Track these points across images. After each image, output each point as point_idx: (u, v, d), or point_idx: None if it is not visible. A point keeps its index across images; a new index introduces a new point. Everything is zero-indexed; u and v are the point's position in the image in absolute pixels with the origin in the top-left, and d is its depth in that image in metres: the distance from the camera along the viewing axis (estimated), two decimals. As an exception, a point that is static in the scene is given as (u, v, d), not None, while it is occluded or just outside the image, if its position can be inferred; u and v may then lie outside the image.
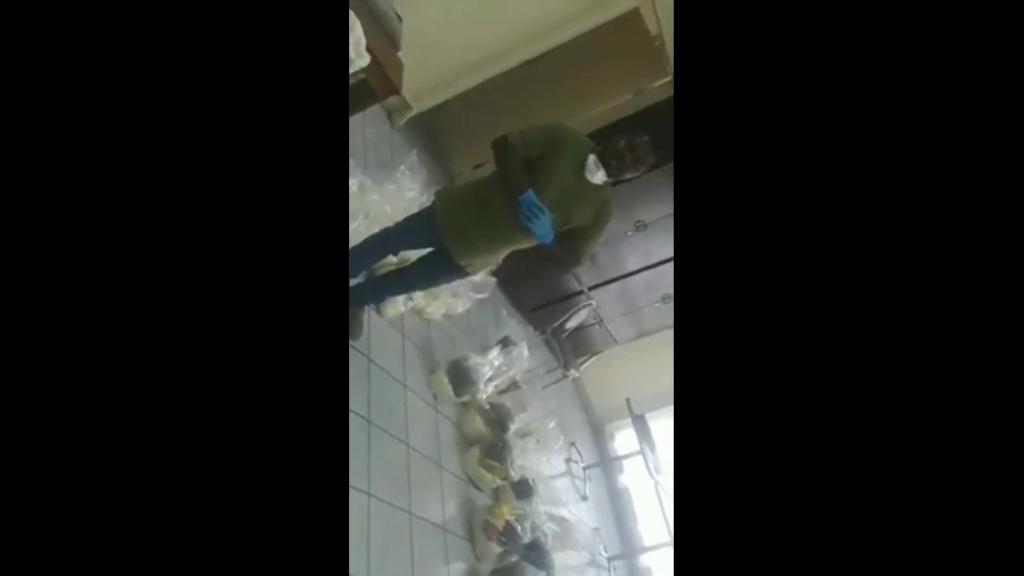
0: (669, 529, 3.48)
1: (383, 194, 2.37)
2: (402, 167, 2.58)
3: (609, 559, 3.62)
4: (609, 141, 1.67)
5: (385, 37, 2.42)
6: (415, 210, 2.16)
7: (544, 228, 1.54)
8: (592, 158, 1.66)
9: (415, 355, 2.55)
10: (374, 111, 3.06)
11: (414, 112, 3.29)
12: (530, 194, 1.53)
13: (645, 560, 4.14)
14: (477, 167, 3.45)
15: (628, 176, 1.70)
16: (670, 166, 2.99)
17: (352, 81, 2.22)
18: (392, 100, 3.05)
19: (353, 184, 2.27)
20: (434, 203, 1.80)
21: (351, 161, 2.34)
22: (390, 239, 1.87)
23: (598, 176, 1.67)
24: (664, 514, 3.54)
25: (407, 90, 2.99)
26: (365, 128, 2.87)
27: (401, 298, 2.40)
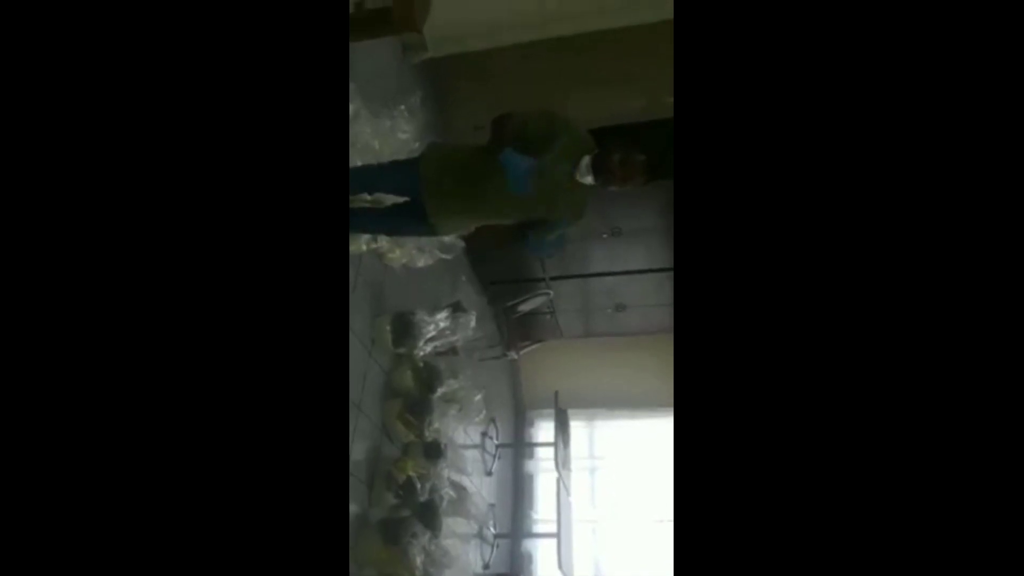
0: (558, 521, 3.61)
1: (376, 129, 2.32)
2: (402, 106, 2.51)
3: (496, 536, 3.74)
4: (605, 149, 1.67)
5: (421, -29, 2.33)
6: (404, 155, 2.13)
7: (521, 179, 1.53)
8: (587, 160, 1.66)
9: (364, 296, 2.53)
10: (388, 43, 2.96)
11: (429, 55, 3.20)
12: (507, 151, 1.53)
13: (528, 544, 4.30)
14: (477, 129, 3.39)
15: (614, 188, 1.71)
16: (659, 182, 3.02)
17: (375, 4, 2.14)
18: (411, 36, 2.96)
19: (349, 109, 2.21)
20: (423, 155, 1.78)
21: (351, 85, 2.27)
22: (370, 177, 1.84)
23: (588, 179, 1.68)
24: (558, 506, 3.67)
25: (429, 31, 2.90)
26: (375, 57, 2.77)
27: (364, 237, 2.37)
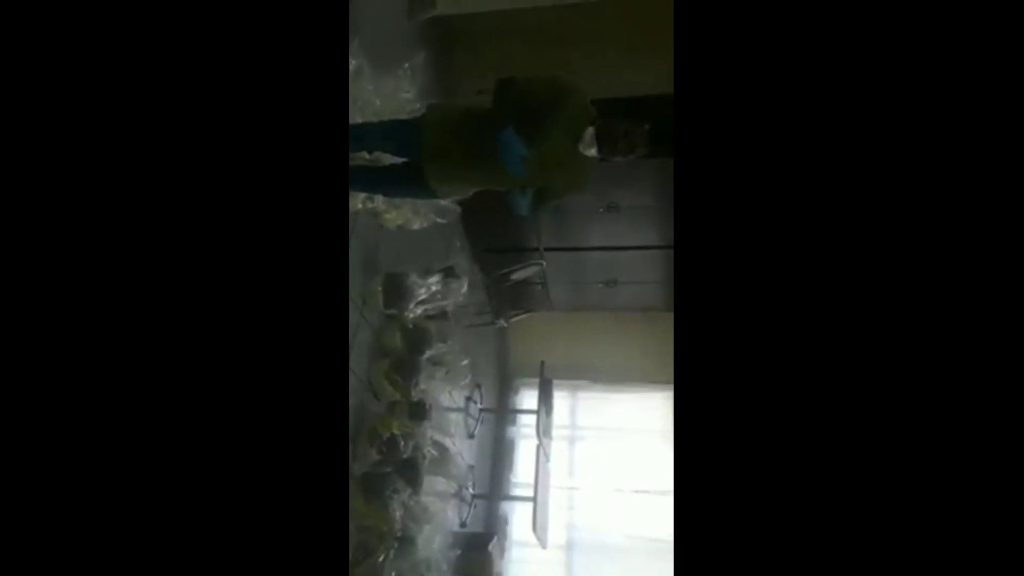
0: (535, 485, 3.70)
1: (378, 87, 2.28)
2: (406, 65, 2.47)
3: (474, 496, 3.84)
4: (610, 119, 1.66)
5: (433, -75, 2.27)
6: (405, 115, 2.10)
7: (516, 163, 1.55)
8: (590, 131, 1.65)
9: (357, 255, 2.54)
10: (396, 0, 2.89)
11: (436, 12, 3.13)
12: (510, 131, 1.52)
13: (505, 507, 4.42)
14: (480, 92, 3.33)
15: (617, 159, 1.71)
16: (658, 159, 3.02)
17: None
18: (419, -8, 2.89)
19: (351, 65, 2.18)
20: (425, 116, 1.76)
21: (355, 41, 2.23)
22: (370, 135, 1.82)
23: (591, 150, 1.67)
24: (536, 472, 3.76)
25: (437, -12, 2.84)
26: (381, 13, 2.71)
27: (361, 196, 2.36)
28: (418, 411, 2.67)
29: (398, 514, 2.36)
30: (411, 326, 2.74)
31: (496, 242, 3.93)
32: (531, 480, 3.78)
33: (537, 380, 4.15)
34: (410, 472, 2.51)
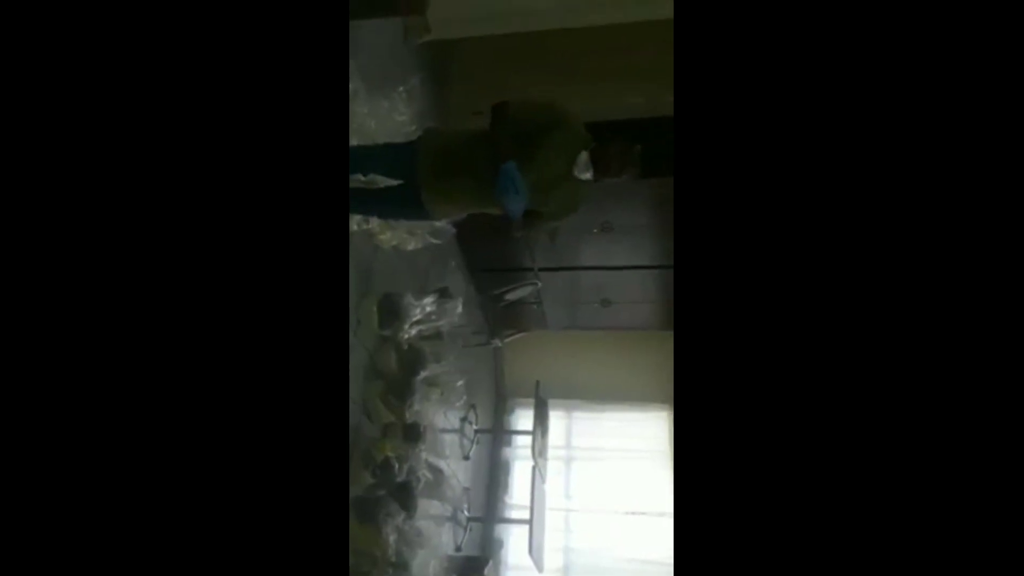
0: (531, 508, 3.66)
1: (373, 109, 2.31)
2: (401, 88, 2.50)
3: (469, 519, 3.79)
4: (603, 142, 1.68)
5: (428, -47, 2.31)
6: (400, 137, 2.12)
7: (516, 206, 1.56)
8: (585, 155, 1.67)
9: (352, 276, 2.53)
10: (390, 23, 2.94)
11: (431, 37, 3.18)
12: (511, 165, 1.54)
13: (501, 529, 4.36)
14: (476, 114, 3.37)
15: (610, 179, 1.73)
16: (651, 179, 3.04)
17: (380, -16, 2.12)
18: (414, 17, 2.93)
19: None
20: (420, 140, 1.78)
21: (351, 62, 2.26)
22: (366, 158, 1.83)
23: (586, 174, 1.69)
24: (532, 494, 3.72)
25: (433, 12, 2.88)
26: (375, 36, 2.75)
27: (356, 218, 2.37)
28: (413, 433, 2.65)
29: (392, 538, 2.33)
30: (406, 347, 2.73)
31: (491, 262, 3.94)
32: (527, 502, 3.73)
33: (532, 400, 4.12)
34: (404, 495, 2.48)
